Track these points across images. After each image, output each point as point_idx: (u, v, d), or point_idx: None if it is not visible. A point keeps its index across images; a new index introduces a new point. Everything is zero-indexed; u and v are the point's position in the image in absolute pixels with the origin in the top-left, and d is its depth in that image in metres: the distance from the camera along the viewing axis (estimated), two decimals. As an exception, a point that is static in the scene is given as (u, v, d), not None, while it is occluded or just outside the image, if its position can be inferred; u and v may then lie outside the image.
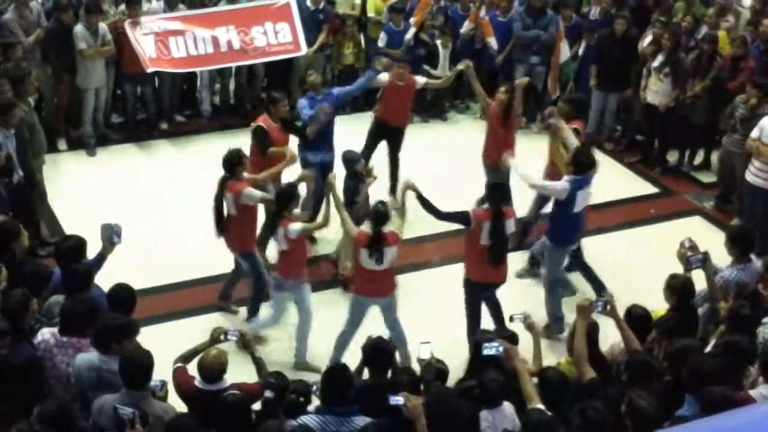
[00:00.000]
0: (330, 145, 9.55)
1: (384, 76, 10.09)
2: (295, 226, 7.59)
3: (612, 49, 11.92)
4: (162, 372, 6.02)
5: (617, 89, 12.13)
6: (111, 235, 7.09)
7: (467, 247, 7.96)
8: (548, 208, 8.91)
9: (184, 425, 5.41)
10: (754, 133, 9.62)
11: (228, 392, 5.73)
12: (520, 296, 8.93)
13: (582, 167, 8.14)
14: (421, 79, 10.42)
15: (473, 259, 7.92)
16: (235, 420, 5.51)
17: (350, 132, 10.54)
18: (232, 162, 8.07)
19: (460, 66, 10.22)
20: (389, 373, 6.31)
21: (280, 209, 7.65)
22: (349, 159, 8.87)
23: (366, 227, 7.61)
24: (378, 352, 6.26)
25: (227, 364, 6.00)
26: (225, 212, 8.13)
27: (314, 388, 6.06)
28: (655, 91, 11.53)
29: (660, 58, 11.42)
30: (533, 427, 5.43)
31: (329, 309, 8.49)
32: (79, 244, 6.94)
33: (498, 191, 7.92)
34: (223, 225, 8.14)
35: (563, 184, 8.13)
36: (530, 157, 9.61)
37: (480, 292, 8.04)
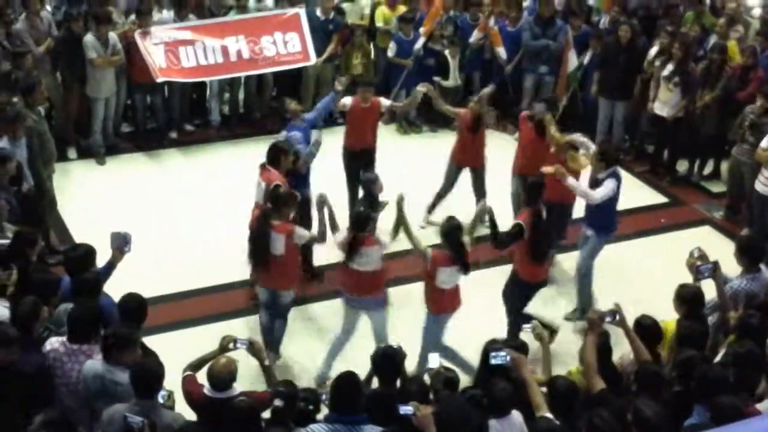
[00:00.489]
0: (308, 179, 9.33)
1: (348, 100, 9.93)
2: (385, 238, 7.67)
3: (617, 56, 11.91)
4: (171, 380, 6.02)
5: (623, 98, 12.09)
6: (121, 244, 7.10)
7: (518, 248, 8.07)
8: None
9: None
10: (764, 143, 9.61)
11: (237, 399, 5.73)
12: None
13: (611, 159, 8.48)
14: (385, 102, 10.24)
15: (522, 258, 8.10)
16: (245, 427, 5.50)
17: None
18: (282, 202, 7.88)
19: (421, 88, 10.08)
20: (398, 383, 6.30)
21: (359, 231, 7.59)
22: (367, 180, 8.84)
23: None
24: (388, 360, 6.25)
25: (236, 372, 6.00)
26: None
27: (323, 396, 6.05)
28: (664, 101, 11.49)
29: (669, 68, 11.38)
30: None
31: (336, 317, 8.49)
32: (89, 253, 6.95)
33: (536, 189, 8.07)
34: (265, 262, 7.92)
35: (609, 184, 8.38)
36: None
37: (530, 290, 8.27)
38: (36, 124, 9.12)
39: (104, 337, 5.91)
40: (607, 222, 8.74)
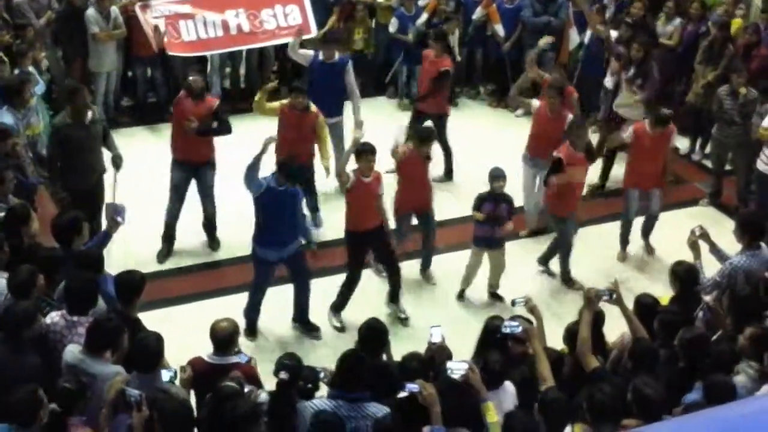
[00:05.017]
0: None
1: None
2: None
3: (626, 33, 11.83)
4: (188, 351, 6.19)
5: None
6: (115, 214, 7.13)
7: None
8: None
9: (178, 410, 5.37)
10: (766, 123, 9.60)
11: (228, 381, 5.72)
12: (527, 281, 9.10)
13: None
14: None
15: None
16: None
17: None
18: None
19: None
20: (383, 356, 6.37)
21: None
22: (493, 175, 8.68)
23: None
24: (374, 332, 6.31)
25: (238, 335, 6.15)
26: None
27: (322, 374, 6.06)
28: (627, 105, 10.81)
29: (632, 69, 10.78)
30: (549, 404, 5.47)
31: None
32: (75, 219, 6.99)
33: None
34: None
35: None
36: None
37: None
38: (67, 128, 8.40)
39: (88, 329, 5.85)
40: None
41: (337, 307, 8.57)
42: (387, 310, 8.61)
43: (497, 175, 8.63)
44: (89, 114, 8.46)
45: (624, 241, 9.84)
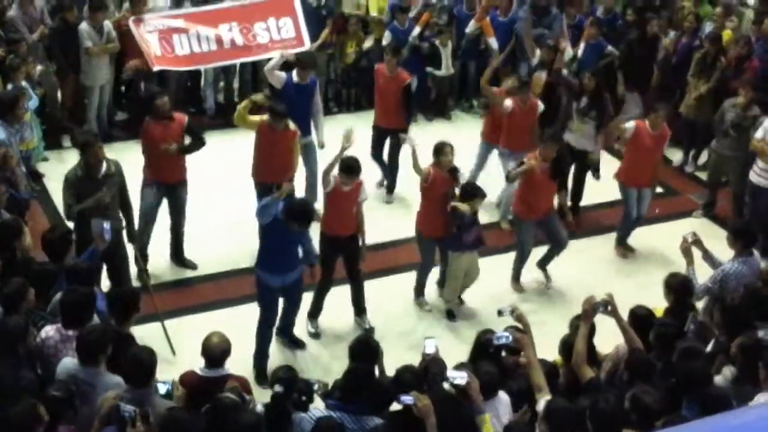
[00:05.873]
0: None
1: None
2: None
3: (641, 51, 11.94)
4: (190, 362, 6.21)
5: (644, 90, 12.09)
6: (101, 231, 7.11)
7: None
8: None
9: (180, 418, 5.37)
10: (759, 134, 9.64)
11: (226, 393, 5.72)
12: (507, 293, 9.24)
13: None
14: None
15: None
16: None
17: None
18: None
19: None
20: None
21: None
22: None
23: None
24: (364, 346, 6.31)
25: (230, 349, 6.10)
26: None
27: (316, 386, 6.05)
28: (578, 134, 10.37)
29: (584, 100, 10.32)
30: (554, 412, 5.47)
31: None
32: (65, 233, 7.03)
33: None
34: None
35: None
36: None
37: None
38: (77, 180, 8.02)
39: (77, 338, 5.82)
40: None
41: (313, 313, 8.64)
42: (389, 316, 8.72)
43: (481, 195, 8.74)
44: (103, 168, 8.10)
45: (623, 238, 10.06)
